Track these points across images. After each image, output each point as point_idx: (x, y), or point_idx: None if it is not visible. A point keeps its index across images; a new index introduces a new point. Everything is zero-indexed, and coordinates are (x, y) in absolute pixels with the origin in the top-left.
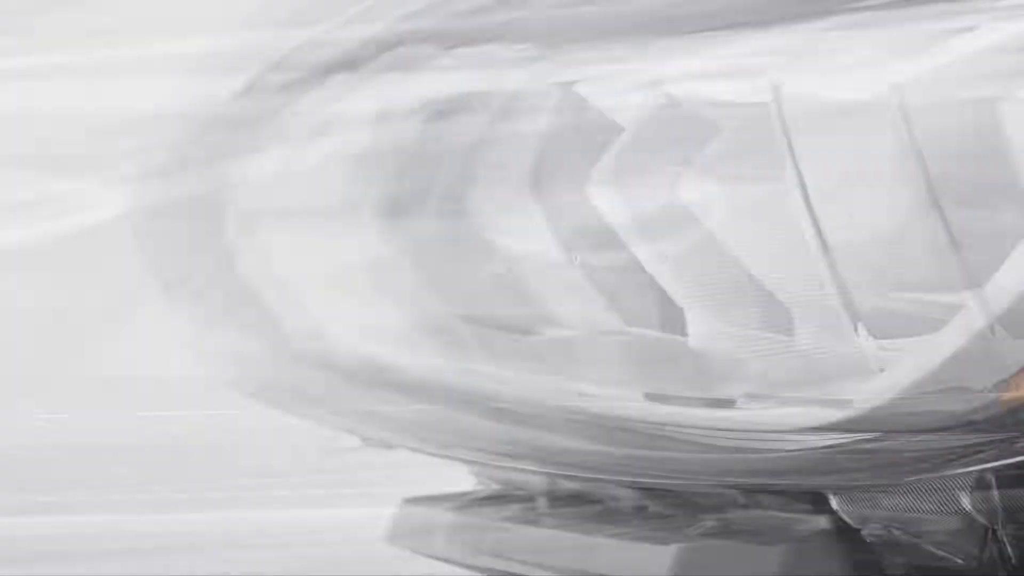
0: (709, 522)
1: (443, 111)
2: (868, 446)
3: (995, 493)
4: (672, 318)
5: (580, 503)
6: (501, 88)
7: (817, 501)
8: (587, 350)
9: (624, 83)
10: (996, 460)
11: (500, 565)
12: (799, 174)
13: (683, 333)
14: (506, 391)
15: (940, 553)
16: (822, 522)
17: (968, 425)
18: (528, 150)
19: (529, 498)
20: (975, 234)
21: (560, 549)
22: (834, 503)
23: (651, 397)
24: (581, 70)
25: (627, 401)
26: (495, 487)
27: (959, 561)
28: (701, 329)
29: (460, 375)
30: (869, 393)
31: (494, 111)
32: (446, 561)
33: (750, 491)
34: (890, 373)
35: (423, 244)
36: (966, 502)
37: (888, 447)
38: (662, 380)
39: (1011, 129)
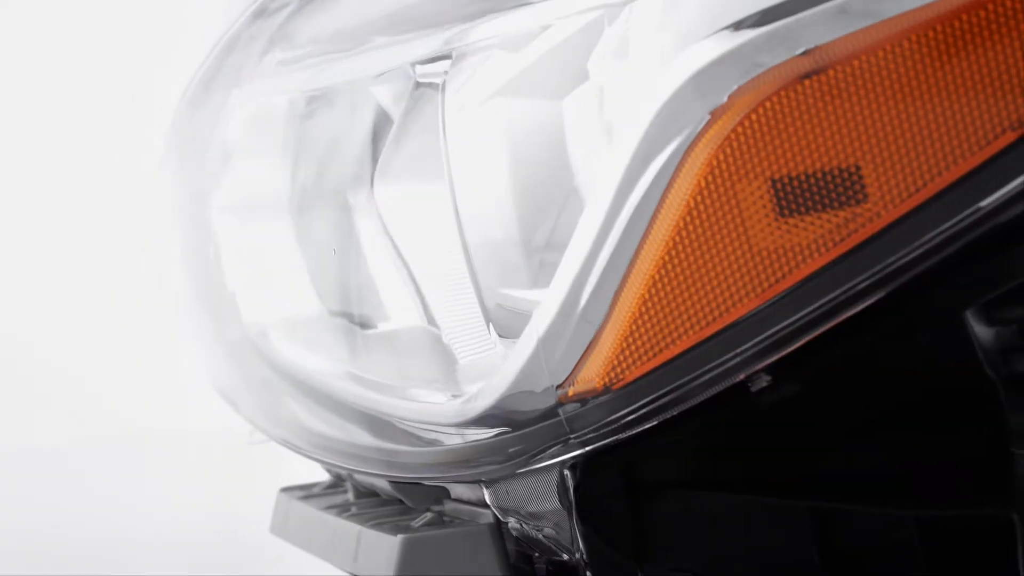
0: (429, 514)
1: (312, 109)
2: (492, 441)
3: (570, 489)
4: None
5: (369, 496)
6: (333, 83)
7: None
8: (406, 345)
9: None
10: (562, 455)
11: (319, 555)
12: (449, 171)
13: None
14: (339, 386)
15: (552, 547)
16: (490, 515)
17: (537, 423)
18: (367, 146)
19: (345, 491)
20: (554, 233)
21: (330, 541)
22: (487, 497)
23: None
24: (374, 65)
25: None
26: (331, 479)
27: (564, 557)
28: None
29: (318, 374)
30: (489, 390)
31: (346, 107)
32: (296, 546)
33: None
34: (501, 372)
35: (317, 239)
36: (555, 499)
37: (501, 442)
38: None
39: (569, 127)
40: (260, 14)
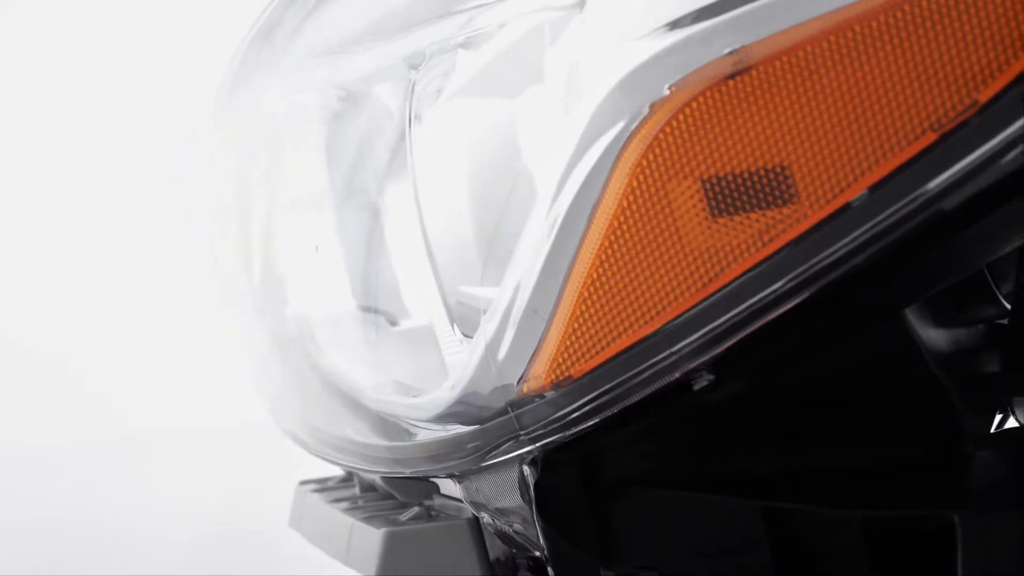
0: (417, 508)
1: (341, 106)
2: (452, 436)
3: (530, 486)
4: None
5: (372, 490)
6: (345, 80)
7: None
8: (413, 343)
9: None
10: (515, 451)
11: (322, 548)
12: (413, 172)
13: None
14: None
15: (524, 543)
16: (469, 511)
17: (491, 420)
18: (388, 144)
19: (353, 485)
20: (508, 232)
21: (329, 535)
22: (459, 492)
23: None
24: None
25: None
26: (343, 474)
27: (538, 553)
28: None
29: (343, 373)
30: (454, 387)
31: (369, 105)
32: (307, 540)
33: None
34: (462, 370)
35: (350, 236)
36: (518, 495)
37: (460, 437)
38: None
39: (522, 126)
40: (287, 7)
